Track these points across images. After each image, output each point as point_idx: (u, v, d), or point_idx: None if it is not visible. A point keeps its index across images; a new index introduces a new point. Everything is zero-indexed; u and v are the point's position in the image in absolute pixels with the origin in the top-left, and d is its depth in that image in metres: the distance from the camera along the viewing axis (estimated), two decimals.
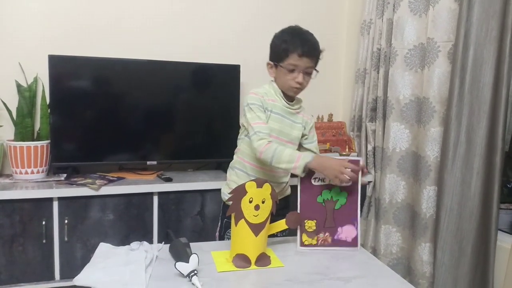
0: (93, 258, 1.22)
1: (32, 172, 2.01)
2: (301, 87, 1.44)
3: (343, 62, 2.70)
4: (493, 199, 1.71)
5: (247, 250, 1.19)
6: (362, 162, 1.34)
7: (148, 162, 2.22)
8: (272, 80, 1.51)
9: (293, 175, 1.42)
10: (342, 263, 1.26)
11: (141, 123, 2.22)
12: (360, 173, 1.33)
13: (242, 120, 1.54)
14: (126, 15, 2.30)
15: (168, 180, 2.10)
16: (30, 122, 2.06)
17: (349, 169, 1.27)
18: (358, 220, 1.35)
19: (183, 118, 2.31)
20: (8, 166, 2.06)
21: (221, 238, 1.57)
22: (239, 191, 1.17)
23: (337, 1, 2.72)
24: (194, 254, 1.11)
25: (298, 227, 1.33)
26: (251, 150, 1.44)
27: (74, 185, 1.92)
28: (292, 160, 1.32)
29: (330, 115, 2.61)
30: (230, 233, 1.31)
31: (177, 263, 1.09)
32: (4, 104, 2.04)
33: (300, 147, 1.56)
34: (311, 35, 1.44)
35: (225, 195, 1.55)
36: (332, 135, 2.50)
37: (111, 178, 2.07)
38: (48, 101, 2.08)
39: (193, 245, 1.27)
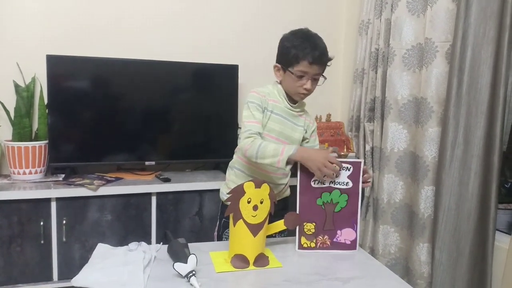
0: (91, 259, 1.22)
1: (30, 173, 2.00)
2: (308, 93, 1.43)
3: (341, 62, 2.70)
4: (491, 199, 1.71)
5: (245, 250, 1.19)
6: (363, 163, 1.33)
7: (147, 163, 2.22)
8: (276, 81, 1.50)
9: (293, 175, 1.41)
10: (341, 263, 1.27)
11: (139, 123, 2.22)
12: (361, 176, 1.32)
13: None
14: (124, 16, 2.30)
15: (166, 180, 2.10)
16: (28, 123, 2.06)
17: (334, 164, 1.25)
18: (357, 223, 1.34)
19: (181, 118, 2.31)
20: (6, 166, 2.06)
21: (219, 237, 1.57)
22: (238, 192, 1.17)
23: (335, 1, 2.72)
24: (192, 255, 1.10)
25: (297, 229, 1.32)
26: None
27: (72, 186, 1.92)
28: (277, 154, 1.29)
29: (328, 115, 2.62)
30: (228, 232, 1.31)
31: (175, 264, 1.09)
32: (2, 104, 2.04)
33: None
34: (321, 40, 1.41)
35: (224, 195, 1.55)
36: (330, 135, 2.50)
37: (109, 179, 2.07)
38: (46, 101, 2.07)
39: (191, 245, 1.27)
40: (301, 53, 1.36)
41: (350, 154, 2.40)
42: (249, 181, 1.18)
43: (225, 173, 1.64)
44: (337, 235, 1.34)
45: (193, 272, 1.07)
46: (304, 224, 1.32)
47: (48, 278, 1.89)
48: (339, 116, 2.75)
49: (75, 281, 1.09)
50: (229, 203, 1.18)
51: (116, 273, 1.12)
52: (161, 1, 2.37)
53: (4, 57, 2.12)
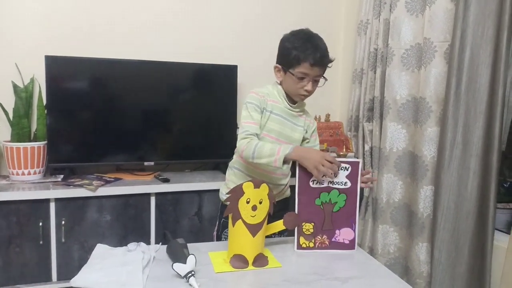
0: (90, 259, 1.22)
1: (29, 173, 2.00)
2: (308, 94, 1.43)
3: (340, 63, 2.70)
4: (490, 199, 1.71)
5: (244, 250, 1.19)
6: (361, 163, 1.33)
7: (146, 163, 2.22)
8: (276, 82, 1.49)
9: (293, 176, 1.41)
10: (340, 263, 1.27)
11: (138, 123, 2.22)
12: (359, 176, 1.32)
13: None
14: (123, 16, 2.30)
15: (166, 180, 2.09)
16: (27, 123, 2.06)
17: (331, 162, 1.24)
18: (356, 223, 1.34)
19: (180, 118, 2.31)
20: (5, 167, 2.06)
21: (219, 237, 1.57)
22: (237, 192, 1.17)
23: (334, 2, 2.72)
24: (191, 255, 1.10)
25: (296, 229, 1.32)
26: None
27: (71, 186, 1.92)
28: (273, 154, 1.29)
29: (328, 115, 2.62)
30: (227, 232, 1.31)
31: (175, 264, 1.09)
32: (1, 105, 2.04)
33: None
34: (322, 41, 1.40)
35: (223, 195, 1.55)
36: (329, 135, 2.50)
37: (108, 179, 2.07)
38: (44, 102, 2.07)
39: (190, 245, 1.27)
40: (302, 54, 1.35)
41: (349, 154, 2.40)
42: (248, 181, 1.18)
43: (224, 173, 1.64)
44: (336, 235, 1.34)
45: (192, 273, 1.07)
46: (303, 224, 1.32)
47: (47, 279, 1.89)
48: (338, 116, 2.75)
49: (74, 281, 1.09)
50: (228, 203, 1.18)
51: (115, 273, 1.12)
52: (161, 2, 2.37)
53: (2, 58, 2.12)
